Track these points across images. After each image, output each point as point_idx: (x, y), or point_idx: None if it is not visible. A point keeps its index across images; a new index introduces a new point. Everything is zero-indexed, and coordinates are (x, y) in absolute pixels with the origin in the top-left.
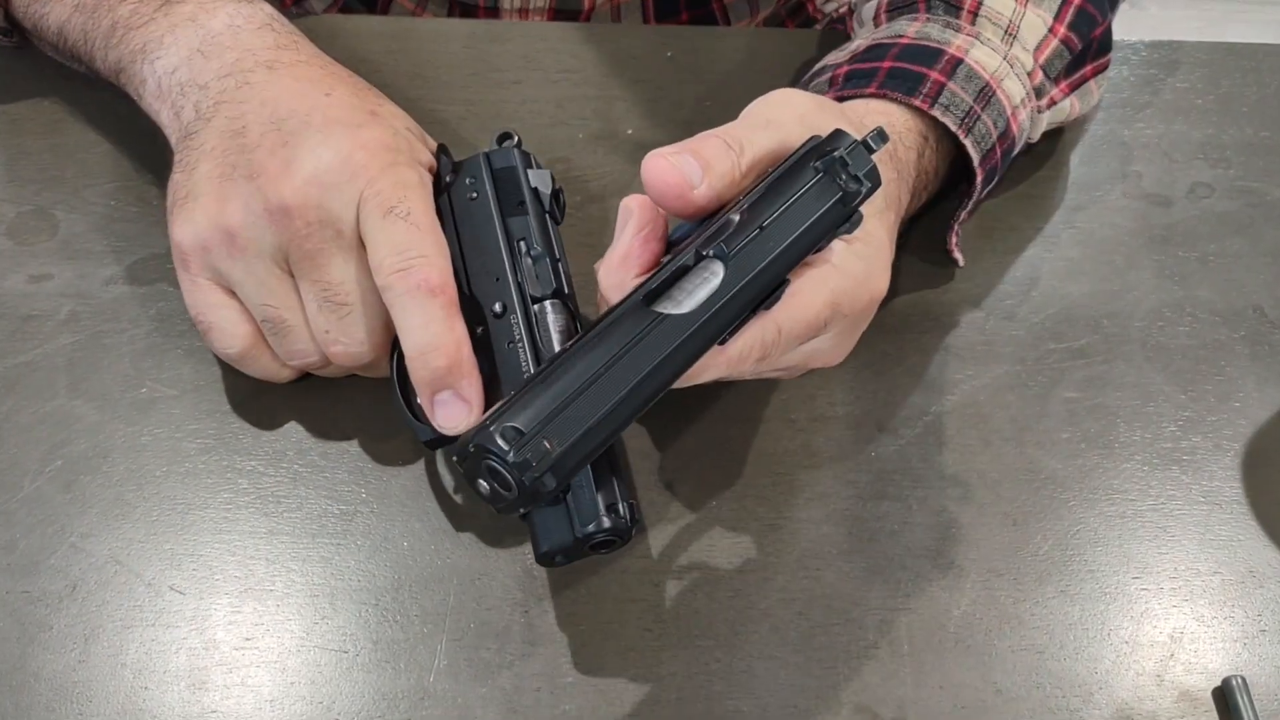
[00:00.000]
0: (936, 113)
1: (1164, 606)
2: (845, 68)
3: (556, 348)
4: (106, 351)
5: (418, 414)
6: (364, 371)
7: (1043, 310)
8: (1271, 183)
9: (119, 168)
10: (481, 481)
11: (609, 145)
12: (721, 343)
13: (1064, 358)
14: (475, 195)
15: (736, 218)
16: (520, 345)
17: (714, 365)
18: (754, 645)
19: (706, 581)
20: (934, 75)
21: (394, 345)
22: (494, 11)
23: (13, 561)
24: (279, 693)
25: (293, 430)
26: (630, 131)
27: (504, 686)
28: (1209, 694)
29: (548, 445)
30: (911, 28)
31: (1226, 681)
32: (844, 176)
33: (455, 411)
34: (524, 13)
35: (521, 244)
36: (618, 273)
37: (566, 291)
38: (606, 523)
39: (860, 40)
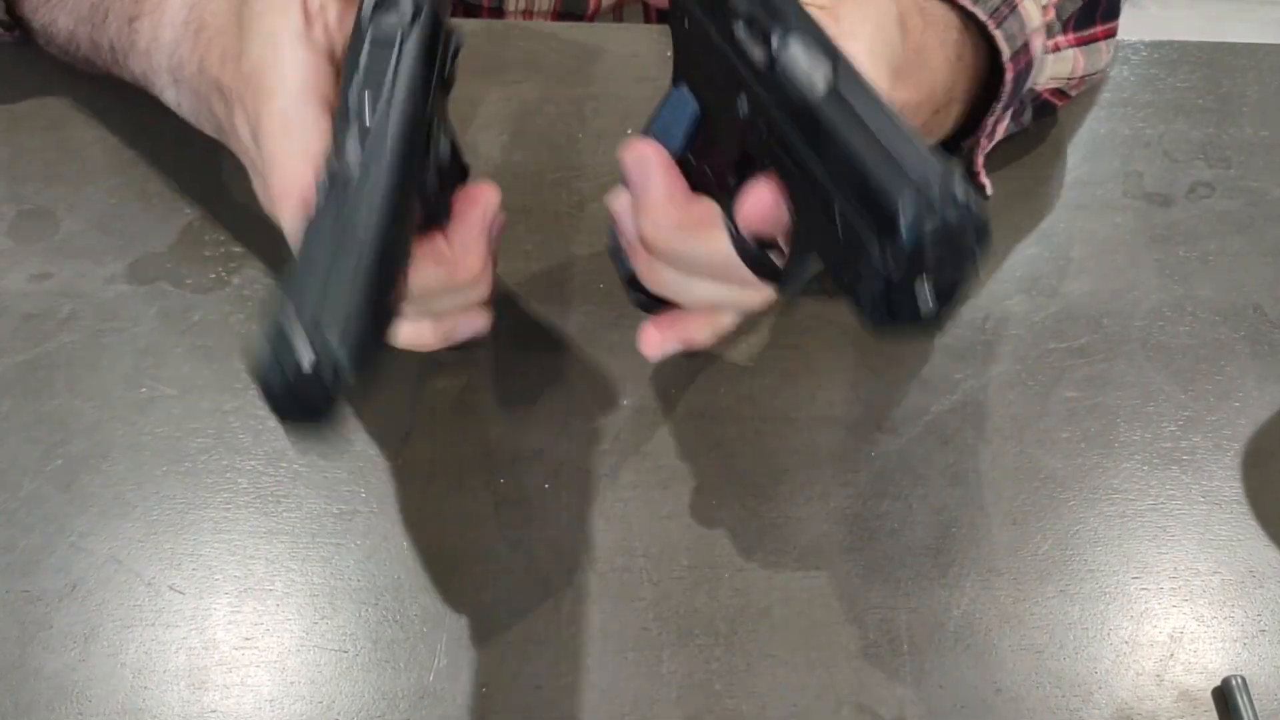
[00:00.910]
0: (966, 2)
1: (1164, 606)
2: None
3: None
4: (106, 350)
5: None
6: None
7: (1043, 309)
8: (1272, 182)
9: (119, 166)
10: (925, 295)
11: (609, 145)
12: None
13: (1064, 357)
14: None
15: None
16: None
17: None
18: (754, 644)
19: (706, 581)
20: None
21: None
22: (498, 13)
23: (12, 561)
24: (279, 692)
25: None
26: (631, 131)
27: (504, 686)
28: (1209, 694)
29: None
30: None
31: (1226, 681)
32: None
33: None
34: (528, 14)
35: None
36: (670, 213)
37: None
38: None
39: None
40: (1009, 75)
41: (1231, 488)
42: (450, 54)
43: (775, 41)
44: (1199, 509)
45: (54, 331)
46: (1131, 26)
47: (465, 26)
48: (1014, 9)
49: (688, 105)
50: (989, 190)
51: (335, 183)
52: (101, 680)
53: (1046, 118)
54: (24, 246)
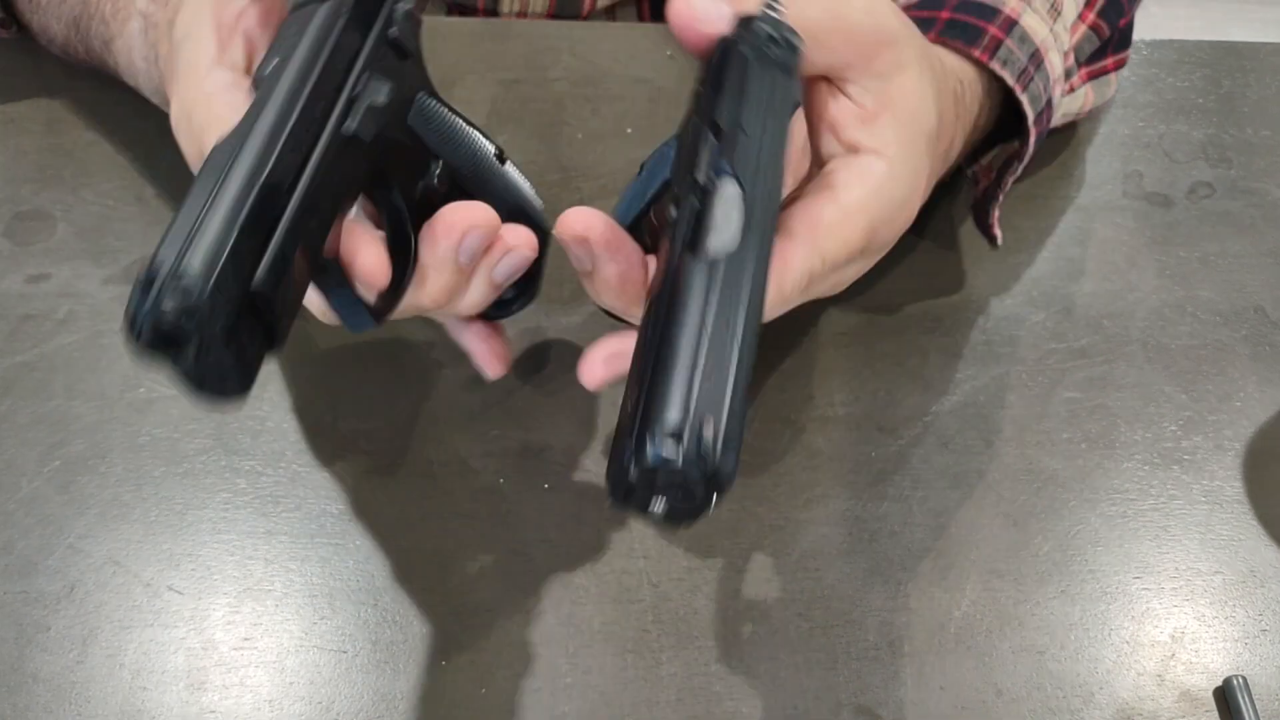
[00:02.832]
0: (995, 65)
1: (1165, 606)
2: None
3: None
4: (104, 352)
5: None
6: None
7: (1043, 310)
8: (1273, 182)
9: (117, 168)
10: (656, 506)
11: (609, 145)
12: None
13: (1065, 358)
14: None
15: (707, 134)
16: None
17: (771, 304)
18: (754, 646)
19: (706, 582)
20: (992, 30)
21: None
22: (492, 14)
23: (10, 562)
24: (278, 693)
25: (291, 430)
26: (630, 131)
27: (503, 687)
28: (1210, 694)
29: (708, 425)
30: None
31: (1228, 681)
32: (774, 49)
33: None
34: (522, 15)
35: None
36: (623, 294)
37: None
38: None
39: None
40: (1032, 137)
41: (1233, 488)
42: (389, 19)
43: (715, 176)
44: (1200, 509)
45: (52, 333)
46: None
47: (463, 26)
48: (1040, 65)
49: (668, 165)
50: (999, 241)
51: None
52: (100, 681)
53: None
54: (22, 248)
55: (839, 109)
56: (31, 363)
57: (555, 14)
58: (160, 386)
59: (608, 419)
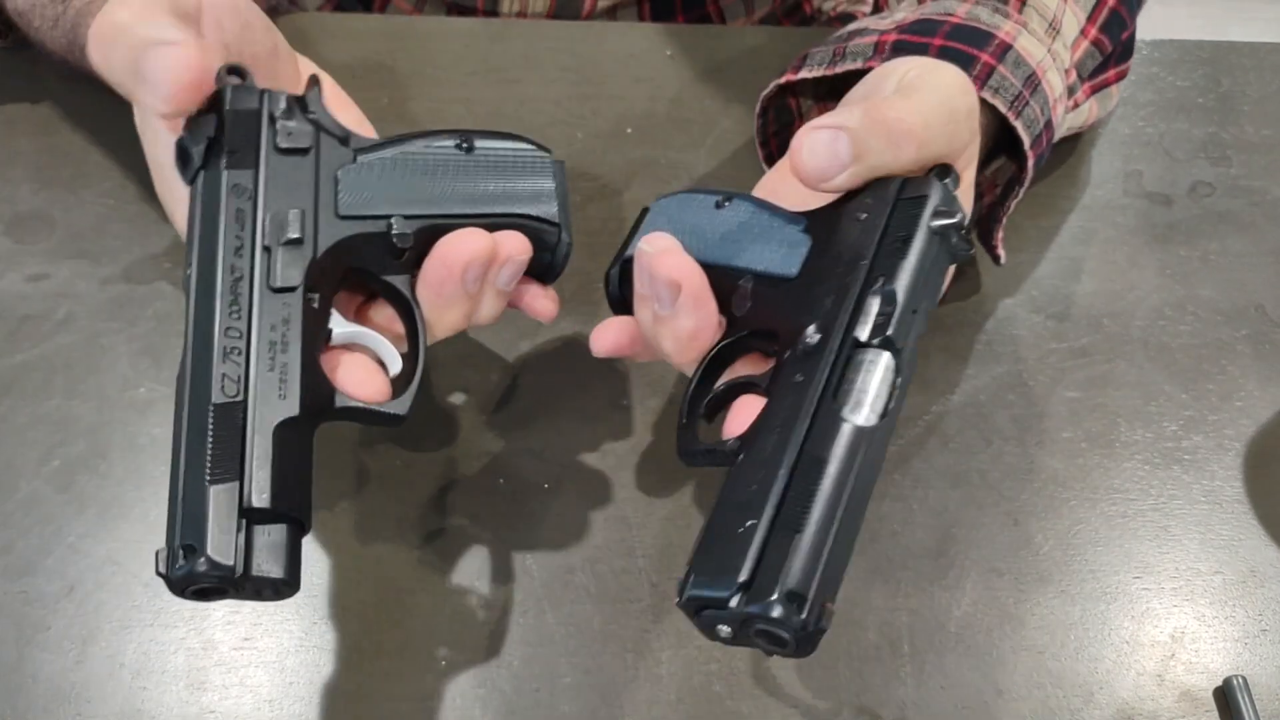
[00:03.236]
0: (986, 94)
1: (1165, 606)
2: (893, 36)
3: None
4: (104, 352)
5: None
6: None
7: (1044, 309)
8: (1273, 181)
9: (116, 168)
10: (723, 632)
11: (609, 145)
12: None
13: (1065, 357)
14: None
15: (875, 296)
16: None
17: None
18: None
19: None
20: (984, 57)
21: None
22: (492, 15)
23: (10, 562)
24: (278, 693)
25: None
26: (630, 131)
27: (503, 688)
28: (1210, 694)
29: (827, 602)
30: (961, 8)
31: (1228, 681)
32: (955, 239)
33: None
34: (522, 16)
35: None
36: (688, 349)
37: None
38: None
39: (904, 12)
40: (1030, 161)
41: (1233, 487)
42: (272, 121)
43: (879, 346)
44: (1200, 509)
45: (52, 333)
46: None
47: (463, 26)
48: (1036, 88)
49: (801, 245)
50: (1003, 260)
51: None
52: (100, 681)
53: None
54: (21, 248)
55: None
56: (31, 363)
57: (555, 15)
58: (160, 386)
59: (608, 419)
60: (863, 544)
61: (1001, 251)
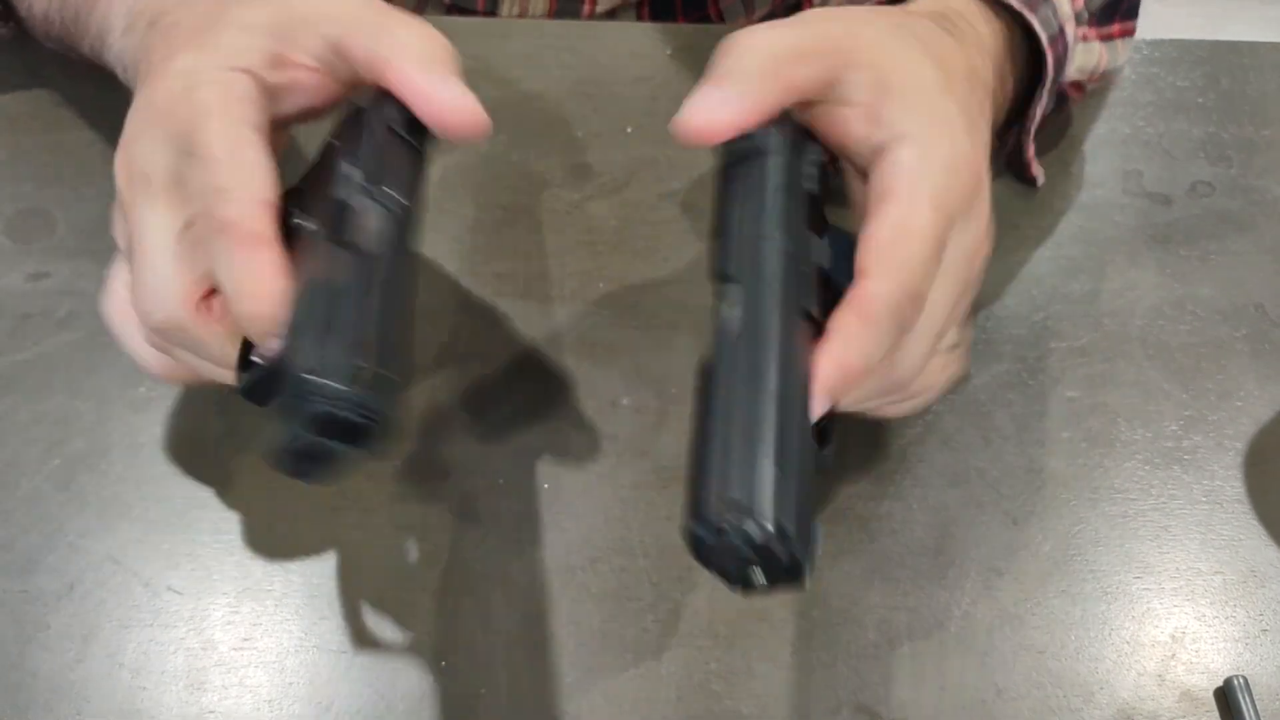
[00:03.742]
0: None
1: (1165, 606)
2: None
3: (372, 240)
4: (105, 350)
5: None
6: (203, 355)
7: (1043, 308)
8: (1272, 180)
9: None
10: (753, 573)
11: (609, 145)
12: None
13: (1064, 356)
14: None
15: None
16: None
17: (875, 344)
18: (754, 645)
19: (706, 581)
20: None
21: None
22: (492, 15)
23: (10, 560)
24: (277, 693)
25: None
26: (630, 130)
27: (504, 687)
28: (1210, 694)
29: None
30: None
31: (1228, 681)
32: (742, 143)
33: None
34: (522, 18)
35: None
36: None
37: (388, 193)
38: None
39: None
40: (1050, 59)
41: (1233, 487)
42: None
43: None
44: (1201, 508)
45: (52, 331)
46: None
47: (463, 25)
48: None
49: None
50: (1040, 180)
51: None
52: (99, 681)
53: (1061, 113)
54: (21, 246)
55: (844, 122)
56: (32, 361)
57: (555, 18)
58: (160, 386)
59: (607, 419)
60: (862, 543)
61: (1037, 171)
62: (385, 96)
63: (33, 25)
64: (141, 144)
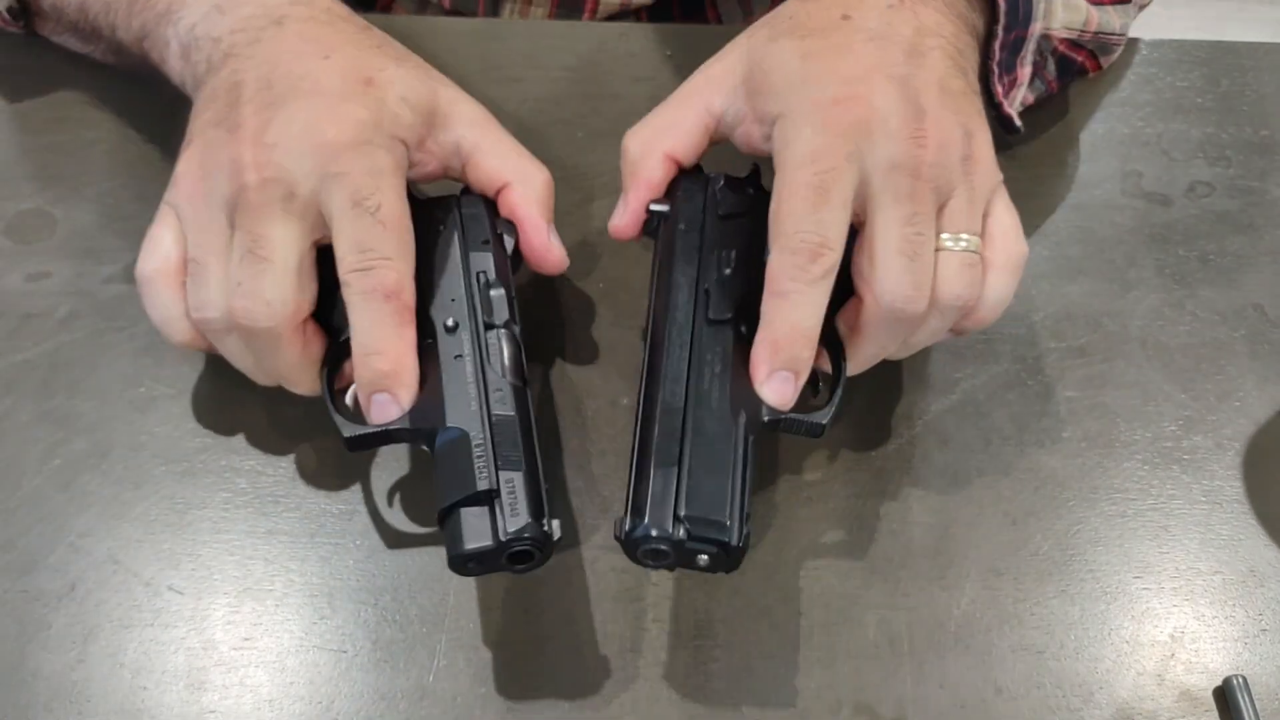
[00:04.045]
0: None
1: (1164, 606)
2: None
3: (505, 371)
4: (105, 350)
5: (343, 412)
6: (265, 360)
7: (1042, 309)
8: (1271, 181)
9: (118, 166)
10: (701, 557)
11: (609, 144)
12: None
13: (1064, 356)
14: (442, 227)
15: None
16: (467, 358)
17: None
18: (754, 644)
19: (706, 580)
20: None
21: (328, 341)
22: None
23: (11, 560)
24: (278, 693)
25: (292, 429)
26: None
27: (504, 686)
28: (1210, 693)
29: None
30: None
31: (1227, 681)
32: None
33: (388, 411)
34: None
35: (481, 275)
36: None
37: (517, 325)
38: (527, 532)
39: None
40: None
41: (1232, 487)
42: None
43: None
44: (1200, 508)
45: (53, 331)
46: (1131, 25)
47: (463, 26)
48: None
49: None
50: (1017, 124)
51: None
52: (100, 680)
53: (1075, 81)
54: (23, 246)
55: (747, 137)
56: (33, 361)
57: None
58: (161, 385)
59: (607, 420)
60: (861, 543)
61: (1011, 112)
62: (479, 198)
63: (61, 13)
64: (295, 159)
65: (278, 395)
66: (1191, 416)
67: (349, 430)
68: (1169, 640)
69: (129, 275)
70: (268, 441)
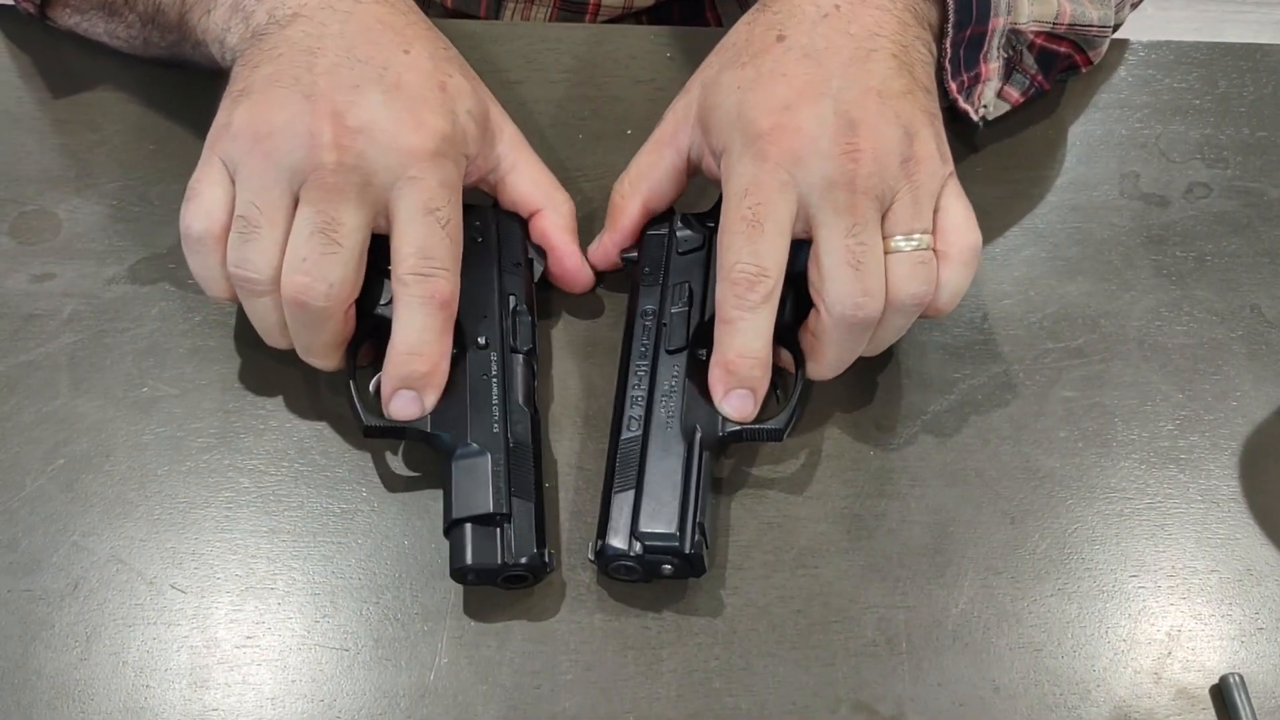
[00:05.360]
0: None
1: (1161, 604)
2: None
3: (520, 396)
4: (109, 350)
5: (362, 395)
6: (302, 334)
7: (1040, 309)
8: (1269, 182)
9: (121, 167)
10: (665, 567)
11: (609, 145)
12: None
13: (1061, 357)
14: (481, 239)
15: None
16: (494, 380)
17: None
18: (753, 642)
19: (706, 579)
20: None
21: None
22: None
23: (15, 560)
24: (280, 691)
25: (294, 429)
26: (630, 132)
27: (504, 684)
28: (1206, 692)
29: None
30: None
31: (1224, 679)
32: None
33: (409, 409)
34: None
35: (511, 298)
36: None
37: (536, 357)
38: (528, 561)
39: None
40: None
41: (1229, 486)
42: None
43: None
44: (1196, 508)
45: (56, 332)
46: (1128, 27)
47: (464, 27)
48: None
49: None
50: (974, 119)
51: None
52: (103, 679)
53: (1071, 80)
54: (26, 247)
55: (711, 170)
56: (36, 361)
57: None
58: (164, 385)
59: (606, 420)
60: (860, 541)
61: (966, 106)
62: (515, 218)
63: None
64: (377, 152)
65: (279, 395)
66: (1189, 416)
67: (369, 419)
68: (1166, 638)
69: (132, 276)
70: (271, 441)
